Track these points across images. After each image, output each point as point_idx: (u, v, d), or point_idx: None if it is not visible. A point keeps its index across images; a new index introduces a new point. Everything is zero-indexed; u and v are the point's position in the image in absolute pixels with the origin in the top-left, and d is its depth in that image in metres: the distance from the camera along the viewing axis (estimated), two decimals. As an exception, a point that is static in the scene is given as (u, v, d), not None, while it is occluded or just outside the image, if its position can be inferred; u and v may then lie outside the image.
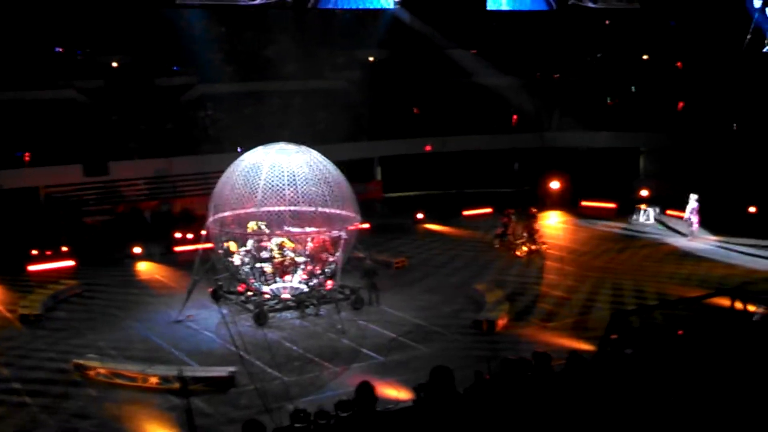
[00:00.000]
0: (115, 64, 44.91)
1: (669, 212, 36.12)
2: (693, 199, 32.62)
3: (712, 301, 20.36)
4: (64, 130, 38.52)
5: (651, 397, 11.02)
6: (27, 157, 36.64)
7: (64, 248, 30.96)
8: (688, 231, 32.98)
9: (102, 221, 35.87)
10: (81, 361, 19.96)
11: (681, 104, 44.60)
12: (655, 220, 36.13)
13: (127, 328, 23.59)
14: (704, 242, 32.45)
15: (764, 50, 46.61)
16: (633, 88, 48.85)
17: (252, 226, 24.18)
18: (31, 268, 29.73)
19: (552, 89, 46.67)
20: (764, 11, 46.87)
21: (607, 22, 50.82)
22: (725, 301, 17.63)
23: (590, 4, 46.70)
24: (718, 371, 11.95)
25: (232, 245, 24.44)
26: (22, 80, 40.14)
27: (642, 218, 36.42)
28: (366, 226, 29.61)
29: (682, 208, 33.37)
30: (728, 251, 30.88)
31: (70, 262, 30.40)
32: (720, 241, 32.35)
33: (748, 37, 47.03)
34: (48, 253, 30.49)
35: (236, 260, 24.31)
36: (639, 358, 13.01)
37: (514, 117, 46.99)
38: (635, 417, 10.55)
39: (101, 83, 43.16)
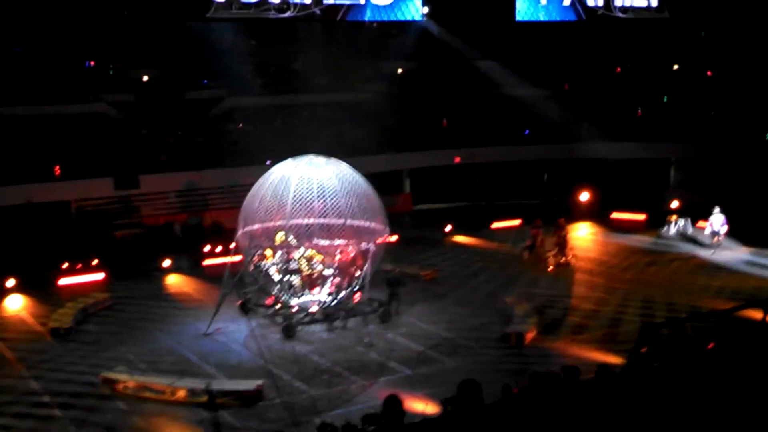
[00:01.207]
0: (145, 78, 45.27)
1: (699, 224, 35.68)
2: (717, 211, 32.06)
3: (744, 314, 20.20)
4: (95, 143, 38.83)
5: (680, 411, 10.89)
6: (58, 170, 36.95)
7: (95, 261, 31.14)
8: (712, 244, 32.34)
9: (132, 234, 36.08)
10: (109, 375, 20.04)
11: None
12: (680, 233, 35.54)
13: (156, 341, 23.66)
14: (734, 254, 32.02)
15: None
16: (665, 98, 48.54)
17: (280, 237, 24.22)
18: (62, 281, 29.92)
19: (581, 100, 46.45)
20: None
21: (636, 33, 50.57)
22: (757, 314, 17.41)
23: (619, 14, 46.42)
24: (749, 384, 11.80)
25: (269, 252, 24.48)
26: (53, 94, 40.57)
27: (673, 230, 36.04)
28: (395, 238, 29.61)
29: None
30: (760, 266, 30.37)
31: (100, 275, 30.55)
32: (751, 253, 31.95)
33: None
34: (78, 266, 30.68)
35: (272, 270, 24.36)
36: (669, 370, 12.87)
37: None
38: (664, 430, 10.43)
39: (131, 97, 43.51)
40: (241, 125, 43.34)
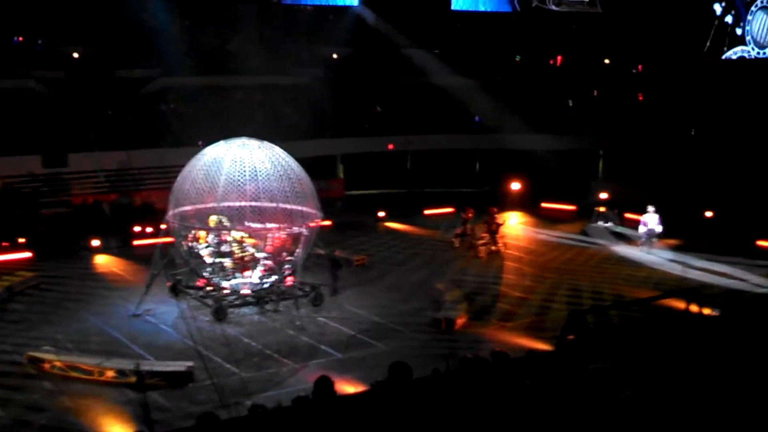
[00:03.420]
0: (76, 55, 44.45)
1: (628, 215, 36.31)
2: (651, 210, 31.93)
3: (669, 303, 20.76)
4: (23, 120, 38.05)
5: (606, 393, 11.19)
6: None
7: (21, 240, 30.55)
8: (646, 243, 32.53)
9: (60, 213, 35.48)
10: (36, 354, 19.74)
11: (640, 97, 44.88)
12: (610, 231, 35.84)
13: (84, 321, 23.33)
14: (660, 248, 32.29)
15: (723, 57, 47.29)
16: (595, 92, 49.28)
17: (213, 220, 24.06)
18: (-14, 259, 29.32)
19: (513, 91, 46.93)
20: (723, 18, 47.59)
21: (573, 26, 51.23)
22: (680, 304, 17.92)
23: (553, 7, 47.05)
24: (675, 366, 12.20)
25: (203, 234, 24.29)
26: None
27: (600, 221, 36.61)
28: (327, 223, 29.66)
29: (641, 211, 33.08)
30: (683, 263, 30.31)
31: (27, 254, 30.00)
32: (675, 249, 32.21)
33: (708, 43, 47.74)
34: (4, 244, 30.07)
35: (204, 252, 24.20)
36: (595, 356, 13.20)
37: (476, 118, 47.23)
38: (589, 412, 10.71)
39: (61, 74, 42.69)
40: (172, 106, 42.82)
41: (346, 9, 48.66)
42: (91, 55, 44.25)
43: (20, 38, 44.83)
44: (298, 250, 24.22)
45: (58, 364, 19.18)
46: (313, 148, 39.98)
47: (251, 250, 24.34)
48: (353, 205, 40.66)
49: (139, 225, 32.21)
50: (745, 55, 47.41)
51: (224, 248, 24.11)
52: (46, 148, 36.72)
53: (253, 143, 24.39)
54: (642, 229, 32.01)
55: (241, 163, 23.52)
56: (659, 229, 31.56)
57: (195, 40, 46.16)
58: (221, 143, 24.60)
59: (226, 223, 24.05)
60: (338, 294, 25.63)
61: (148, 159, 38.41)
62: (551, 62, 51.92)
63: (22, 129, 37.40)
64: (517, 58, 51.73)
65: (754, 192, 35.69)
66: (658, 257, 31.17)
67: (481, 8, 50.19)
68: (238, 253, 24.21)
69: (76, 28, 43.08)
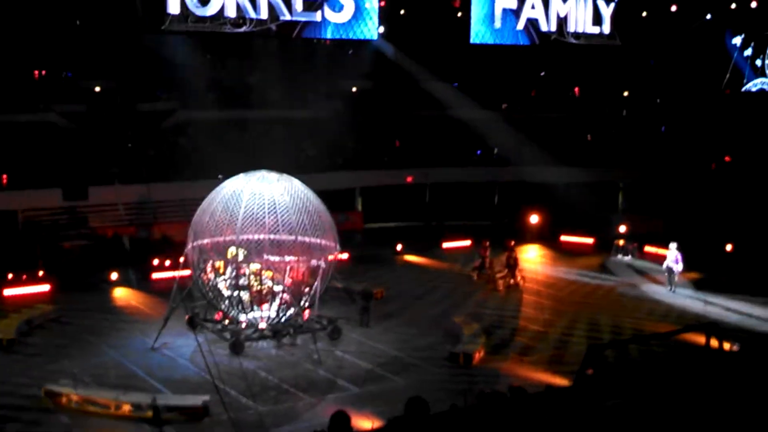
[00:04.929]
0: (97, 89, 44.84)
1: (647, 248, 36.07)
2: (673, 248, 30.82)
3: (689, 338, 20.58)
4: (44, 153, 38.35)
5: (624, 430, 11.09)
6: (5, 180, 36.40)
7: (41, 272, 30.68)
8: (670, 281, 31.21)
9: (79, 246, 35.61)
10: (53, 388, 19.74)
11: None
12: (630, 265, 35.50)
13: (103, 354, 23.37)
14: (682, 286, 31.57)
15: (743, 89, 47.18)
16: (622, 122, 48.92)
17: (232, 252, 24.06)
18: (6, 292, 29.38)
19: (531, 124, 46.89)
20: (743, 51, 47.54)
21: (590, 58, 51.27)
22: (700, 338, 17.76)
23: (572, 40, 47.03)
24: (691, 402, 12.09)
25: (219, 264, 24.29)
26: (1, 103, 39.95)
27: (620, 255, 36.43)
28: (345, 256, 29.64)
29: (661, 244, 32.63)
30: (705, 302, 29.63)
31: (46, 287, 30.10)
32: (697, 288, 31.56)
33: (728, 76, 47.65)
34: (24, 277, 30.20)
35: (222, 285, 24.21)
36: (613, 390, 13.09)
37: (494, 150, 47.22)
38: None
39: (83, 107, 43.04)
40: (192, 139, 42.94)
41: (365, 43, 48.84)
42: (112, 89, 44.62)
43: (43, 72, 45.28)
44: (316, 283, 24.16)
45: (75, 398, 19.17)
46: (332, 180, 40.05)
47: (269, 283, 24.30)
48: (372, 238, 40.61)
49: (158, 258, 32.30)
50: (765, 87, 47.28)
51: (242, 281, 24.09)
52: (67, 181, 36.93)
53: (272, 176, 24.45)
54: (665, 265, 31.30)
55: (260, 196, 23.60)
56: (679, 267, 30.82)
57: (216, 74, 46.47)
58: (240, 176, 24.68)
59: (243, 256, 24.02)
60: (369, 327, 25.76)
61: (168, 192, 38.54)
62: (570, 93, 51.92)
63: (43, 162, 37.64)
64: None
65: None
66: (679, 292, 30.79)
67: (500, 41, 50.23)
68: (255, 287, 24.18)
69: (98, 62, 43.47)
